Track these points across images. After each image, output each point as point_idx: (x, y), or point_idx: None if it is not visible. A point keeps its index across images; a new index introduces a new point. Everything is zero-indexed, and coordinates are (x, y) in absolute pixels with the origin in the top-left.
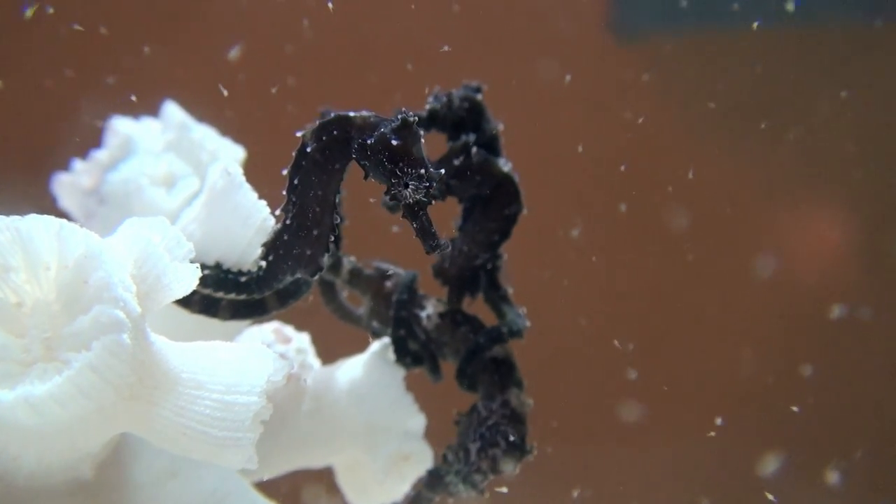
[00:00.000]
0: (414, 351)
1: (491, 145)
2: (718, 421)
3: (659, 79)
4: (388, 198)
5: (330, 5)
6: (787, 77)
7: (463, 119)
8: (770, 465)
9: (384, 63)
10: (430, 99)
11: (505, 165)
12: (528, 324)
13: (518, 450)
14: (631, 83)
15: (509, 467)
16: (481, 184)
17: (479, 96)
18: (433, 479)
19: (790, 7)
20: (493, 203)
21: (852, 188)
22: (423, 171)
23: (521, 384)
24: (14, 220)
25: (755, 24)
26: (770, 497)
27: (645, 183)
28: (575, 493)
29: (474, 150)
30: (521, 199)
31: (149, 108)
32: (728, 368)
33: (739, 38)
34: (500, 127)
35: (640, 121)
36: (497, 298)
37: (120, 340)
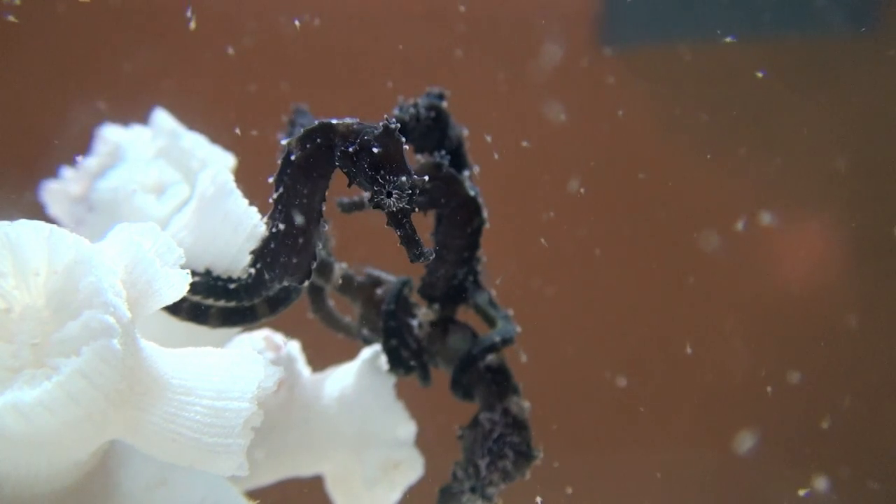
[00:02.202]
0: (405, 358)
1: (457, 152)
2: (714, 427)
3: (649, 87)
4: (370, 204)
5: (297, 22)
6: (776, 86)
7: (430, 128)
8: (765, 470)
9: (375, 70)
10: (396, 110)
11: (471, 189)
12: (518, 329)
13: (526, 457)
14: (621, 91)
15: (519, 474)
16: (445, 203)
17: (444, 103)
18: (446, 497)
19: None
20: (455, 221)
21: (841, 195)
22: (405, 178)
23: (518, 390)
24: (3, 226)
25: (728, 39)
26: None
27: (634, 190)
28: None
29: (445, 166)
30: (483, 213)
31: (139, 115)
32: (723, 374)
33: (728, 48)
34: (465, 132)
35: (630, 129)
36: (484, 304)
37: (110, 346)
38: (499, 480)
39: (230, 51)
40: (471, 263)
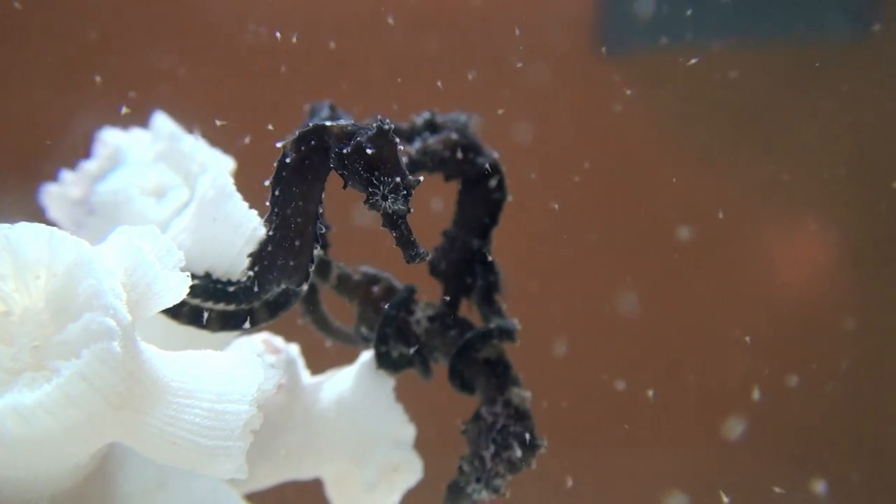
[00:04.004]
0: (404, 355)
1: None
2: (711, 429)
3: (646, 92)
4: (366, 205)
5: (278, 34)
6: (774, 91)
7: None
8: (764, 472)
9: (373, 74)
10: (426, 114)
11: (492, 152)
12: (518, 326)
13: (531, 446)
14: (618, 96)
15: (525, 464)
16: (469, 164)
17: (466, 119)
18: (454, 492)
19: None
20: (478, 188)
21: (840, 199)
22: (399, 179)
23: (519, 381)
24: (3, 228)
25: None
26: (777, 490)
27: (632, 194)
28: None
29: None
30: (505, 186)
31: (139, 119)
32: (720, 376)
33: (726, 53)
34: (495, 154)
35: (629, 133)
36: (490, 313)
37: (110, 348)
38: (505, 471)
39: (230, 54)
40: (487, 236)
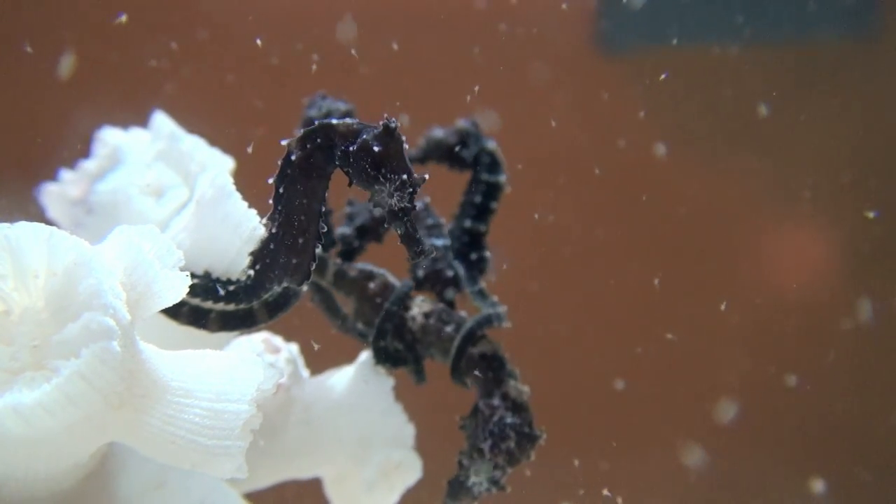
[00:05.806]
0: (399, 352)
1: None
2: (711, 429)
3: (645, 92)
4: (371, 203)
5: (258, 41)
6: (774, 91)
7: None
8: (764, 476)
9: (373, 74)
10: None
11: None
12: (505, 307)
13: (529, 437)
14: (617, 96)
15: (525, 456)
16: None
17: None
18: (455, 488)
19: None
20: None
21: (838, 199)
22: (405, 176)
23: (515, 375)
24: (2, 228)
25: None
26: None
27: (630, 193)
28: None
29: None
30: (502, 169)
31: (138, 118)
32: (719, 377)
33: (725, 54)
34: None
35: (627, 133)
36: (476, 294)
37: (109, 348)
38: (504, 463)
39: (230, 54)
40: (487, 218)
